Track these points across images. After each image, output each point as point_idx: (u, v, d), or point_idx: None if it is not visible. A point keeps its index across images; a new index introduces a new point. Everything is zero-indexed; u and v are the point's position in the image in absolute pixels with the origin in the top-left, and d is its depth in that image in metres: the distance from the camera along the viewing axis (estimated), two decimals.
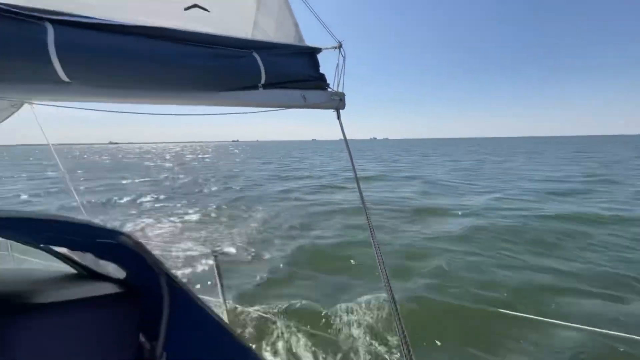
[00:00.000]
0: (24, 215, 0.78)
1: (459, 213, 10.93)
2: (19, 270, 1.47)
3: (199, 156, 63.83)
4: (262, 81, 1.50)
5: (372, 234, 1.69)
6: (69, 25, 0.93)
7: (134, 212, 12.53)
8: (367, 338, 4.07)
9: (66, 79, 0.93)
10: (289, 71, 1.66)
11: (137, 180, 22.91)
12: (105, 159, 57.53)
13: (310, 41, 1.92)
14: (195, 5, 1.61)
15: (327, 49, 1.88)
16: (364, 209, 1.75)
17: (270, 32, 1.87)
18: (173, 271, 1.16)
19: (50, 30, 0.87)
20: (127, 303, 1.17)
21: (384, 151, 76.07)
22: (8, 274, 1.27)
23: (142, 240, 1.06)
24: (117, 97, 1.16)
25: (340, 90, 1.88)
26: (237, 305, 2.84)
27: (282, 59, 1.63)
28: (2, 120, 2.66)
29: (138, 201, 14.84)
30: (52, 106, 1.08)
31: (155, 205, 13.88)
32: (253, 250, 7.86)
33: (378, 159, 45.11)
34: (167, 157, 61.77)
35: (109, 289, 1.17)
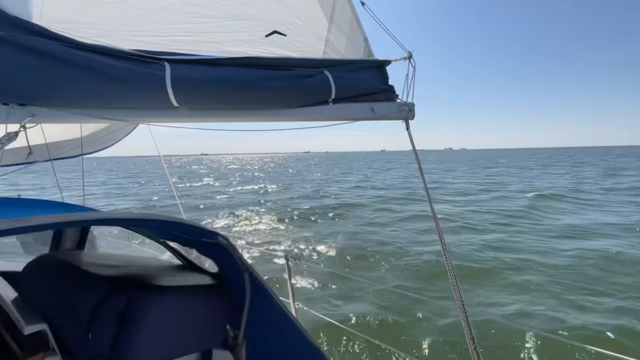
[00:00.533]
0: (155, 217, 1.05)
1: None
2: (142, 258, 1.89)
3: (282, 166, 67.21)
4: (333, 96, 1.59)
5: (443, 246, 1.63)
6: (180, 62, 1.19)
7: (235, 214, 13.79)
8: None
9: (176, 104, 1.18)
10: (358, 85, 1.72)
11: (238, 188, 25.35)
12: (203, 169, 64.13)
13: (378, 47, 1.94)
14: (274, 32, 1.81)
15: (396, 60, 1.88)
16: (434, 218, 1.70)
17: (341, 48, 1.97)
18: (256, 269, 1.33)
19: (168, 68, 1.13)
20: (218, 294, 1.37)
21: (466, 162, 68.94)
22: (137, 260, 1.67)
23: (232, 240, 1.26)
24: (213, 117, 1.42)
25: (409, 100, 1.86)
26: (305, 308, 2.97)
27: (352, 74, 1.71)
28: (123, 138, 3.37)
29: (240, 206, 16.19)
30: (162, 126, 1.37)
31: (254, 208, 15.04)
32: (335, 257, 7.84)
33: (467, 171, 40.76)
34: (255, 167, 66.10)
35: (205, 280, 1.41)
